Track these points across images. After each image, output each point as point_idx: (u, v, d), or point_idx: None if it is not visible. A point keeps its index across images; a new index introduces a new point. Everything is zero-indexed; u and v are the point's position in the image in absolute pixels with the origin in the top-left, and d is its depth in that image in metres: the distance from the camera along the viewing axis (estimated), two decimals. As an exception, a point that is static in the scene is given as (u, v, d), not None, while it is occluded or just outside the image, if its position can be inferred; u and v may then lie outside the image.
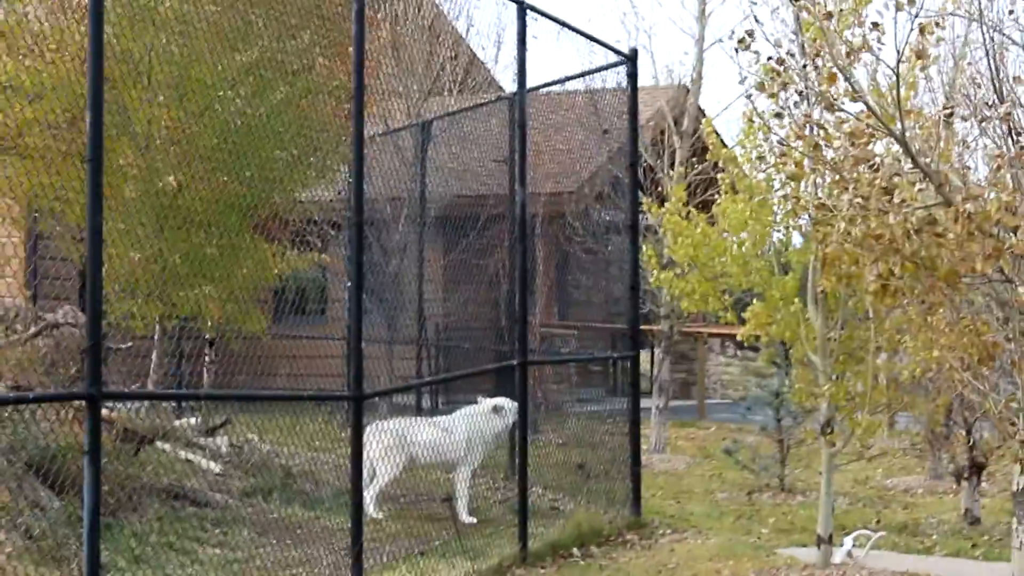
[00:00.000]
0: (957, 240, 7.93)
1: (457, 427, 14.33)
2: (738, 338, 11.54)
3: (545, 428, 21.36)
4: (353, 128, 9.73)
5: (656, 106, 21.94)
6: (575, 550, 12.70)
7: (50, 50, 14.64)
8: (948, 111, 8.01)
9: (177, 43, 15.05)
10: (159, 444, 14.66)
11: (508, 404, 14.45)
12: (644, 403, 21.32)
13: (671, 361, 28.82)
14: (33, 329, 16.68)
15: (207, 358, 18.13)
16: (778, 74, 8.60)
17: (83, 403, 8.27)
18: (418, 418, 14.67)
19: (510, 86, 23.97)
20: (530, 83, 13.76)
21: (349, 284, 20.99)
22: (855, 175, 7.97)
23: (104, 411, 13.24)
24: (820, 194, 8.80)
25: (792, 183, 8.63)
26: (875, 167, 7.90)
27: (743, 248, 11.06)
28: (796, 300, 11.15)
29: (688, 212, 11.39)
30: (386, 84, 22.57)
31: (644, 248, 11.62)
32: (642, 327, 28.43)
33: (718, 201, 11.32)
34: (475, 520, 14.11)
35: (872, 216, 7.91)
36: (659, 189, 18.97)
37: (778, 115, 8.42)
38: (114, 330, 16.43)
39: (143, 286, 14.97)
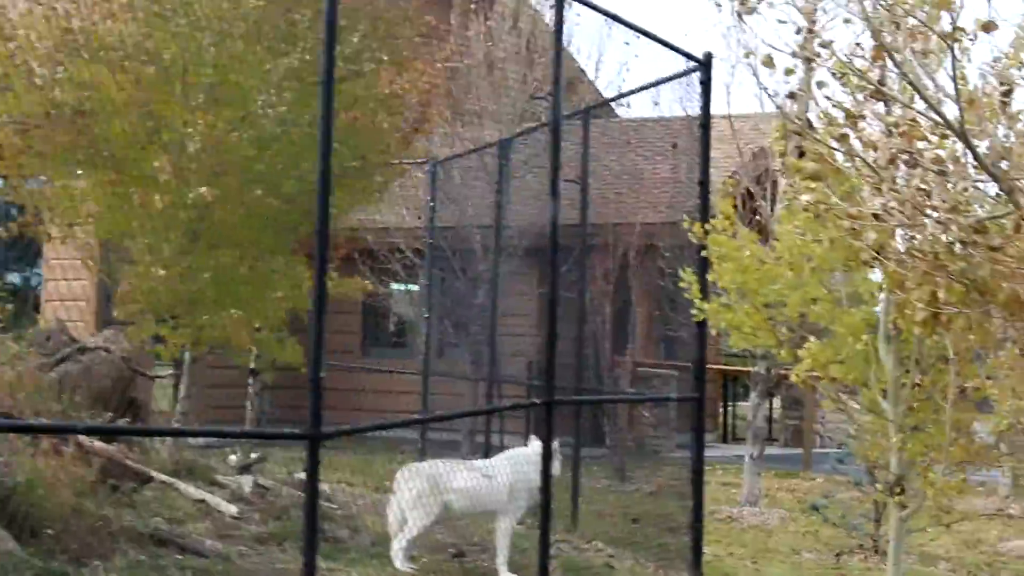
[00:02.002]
0: (1020, 256, 6.22)
1: (500, 472, 12.78)
2: (791, 379, 9.85)
3: (635, 475, 19.74)
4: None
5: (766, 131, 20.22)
6: (612, 617, 11.06)
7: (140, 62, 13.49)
8: (1006, 88, 6.29)
9: (214, 43, 13.78)
10: (178, 483, 13.31)
11: (557, 447, 12.88)
12: (739, 451, 19.66)
13: (783, 406, 27.08)
14: (61, 352, 15.50)
15: (250, 389, 16.82)
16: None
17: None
18: (456, 461, 13.10)
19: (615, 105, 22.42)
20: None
21: (427, 315, 19.79)
22: (890, 173, 6.29)
23: (92, 442, 11.96)
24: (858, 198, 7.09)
25: (812, 184, 6.96)
26: (913, 163, 6.20)
27: (801, 273, 9.35)
28: (864, 337, 9.41)
29: (735, 232, 9.71)
30: (478, 104, 21.15)
31: (682, 274, 10.01)
32: (737, 368, 26.71)
33: (774, 216, 9.66)
34: (515, 576, 12.57)
35: (913, 224, 6.21)
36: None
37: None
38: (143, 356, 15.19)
39: (167, 307, 13.63)
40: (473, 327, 19.77)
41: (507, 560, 12.72)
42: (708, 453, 23.01)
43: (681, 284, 10.22)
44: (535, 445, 12.88)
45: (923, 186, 6.22)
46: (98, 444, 11.81)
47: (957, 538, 15.29)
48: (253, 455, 17.39)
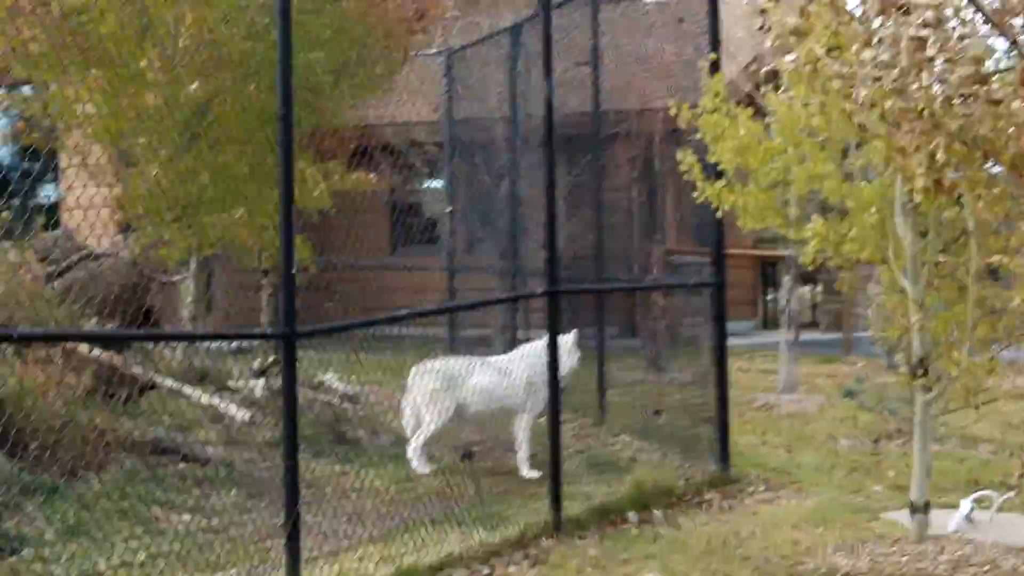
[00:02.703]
0: (1026, 111, 5.65)
1: (515, 368, 12.30)
2: (800, 261, 9.30)
3: (672, 366, 19.22)
4: None
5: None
6: (631, 514, 10.59)
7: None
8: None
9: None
10: (186, 389, 12.91)
11: (572, 339, 12.39)
12: (774, 337, 19.10)
13: (824, 290, 26.43)
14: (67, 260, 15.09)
15: (263, 291, 16.38)
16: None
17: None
18: (470, 357, 12.61)
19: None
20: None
21: (450, 209, 19.25)
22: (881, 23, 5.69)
23: (88, 351, 11.54)
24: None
25: (794, 39, 6.35)
26: (907, 10, 5.60)
27: (800, 147, 8.77)
28: (872, 210, 8.83)
29: (728, 110, 9.12)
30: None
31: (679, 155, 9.45)
32: (776, 253, 26.05)
33: (762, 92, 9.08)
34: (538, 474, 12.11)
35: (906, 79, 5.62)
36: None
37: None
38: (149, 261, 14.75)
39: (167, 209, 13.14)
40: (499, 221, 19.22)
41: (528, 457, 12.29)
42: (748, 340, 22.59)
43: (680, 167, 9.68)
44: (546, 339, 12.40)
45: (919, 34, 5.62)
46: (94, 352, 11.38)
47: (998, 419, 14.71)
48: (272, 358, 17.02)
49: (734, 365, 19.09)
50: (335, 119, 14.45)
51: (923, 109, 5.66)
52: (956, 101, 5.58)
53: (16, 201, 13.76)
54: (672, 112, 9.38)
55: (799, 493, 11.68)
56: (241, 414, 12.68)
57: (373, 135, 21.28)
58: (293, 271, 7.72)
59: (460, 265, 18.74)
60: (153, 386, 11.73)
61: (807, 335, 19.99)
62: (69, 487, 9.75)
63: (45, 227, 16.23)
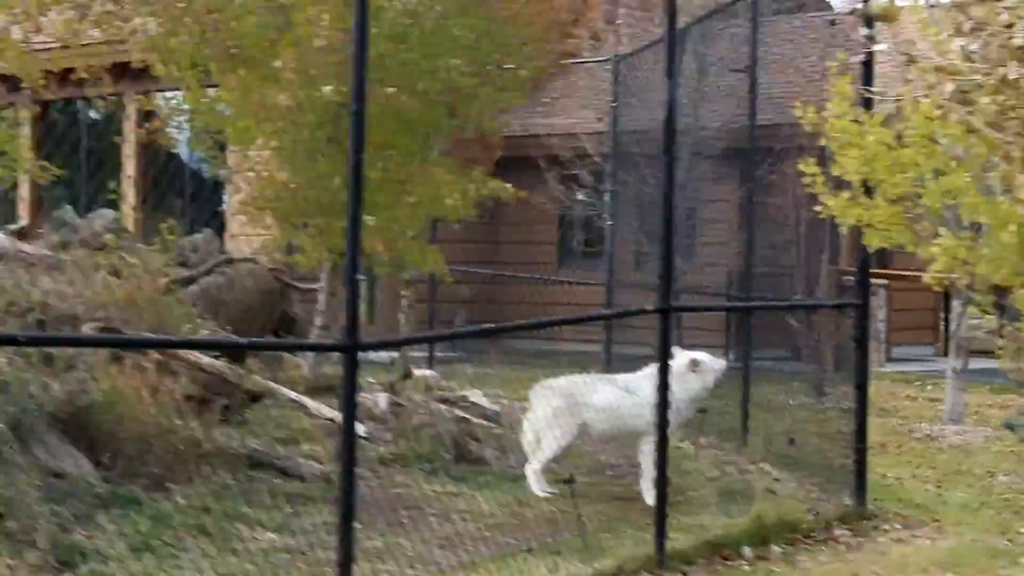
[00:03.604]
0: None
1: (642, 387, 11.64)
2: (925, 280, 8.51)
3: (835, 391, 18.36)
4: None
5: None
6: (746, 550, 9.90)
7: None
8: None
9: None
10: (306, 401, 12.53)
11: (708, 360, 11.73)
12: (941, 365, 18.13)
13: (1008, 316, 25.16)
14: (207, 264, 14.88)
15: (404, 301, 15.98)
16: None
17: None
18: (595, 375, 11.99)
19: None
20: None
21: (611, 223, 18.68)
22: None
23: (202, 359, 11.20)
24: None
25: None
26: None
27: (932, 155, 7.98)
28: (1015, 228, 7.98)
29: (857, 116, 8.37)
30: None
31: (801, 166, 8.73)
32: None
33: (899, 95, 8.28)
34: (664, 503, 11.46)
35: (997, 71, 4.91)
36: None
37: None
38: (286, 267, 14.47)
39: (296, 214, 12.81)
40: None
41: (654, 483, 11.63)
42: (923, 367, 21.56)
43: (803, 180, 8.94)
44: (682, 358, 11.76)
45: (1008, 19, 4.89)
46: (205, 360, 11.04)
47: None
48: (420, 371, 16.59)
49: (903, 392, 18.25)
50: (478, 125, 13.97)
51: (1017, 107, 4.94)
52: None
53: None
54: (797, 115, 8.67)
55: (938, 532, 10.89)
56: (358, 428, 12.22)
57: (537, 145, 20.84)
58: (359, 277, 7.22)
59: (617, 280, 18.16)
60: (261, 397, 11.33)
61: (985, 363, 18.94)
62: (153, 500, 9.38)
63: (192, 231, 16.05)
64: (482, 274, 20.71)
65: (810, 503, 11.30)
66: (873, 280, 20.62)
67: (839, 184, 8.75)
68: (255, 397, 11.34)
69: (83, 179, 21.02)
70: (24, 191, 21.77)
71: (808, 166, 8.84)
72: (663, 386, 9.55)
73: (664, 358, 9.56)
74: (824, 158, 8.94)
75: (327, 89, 12.34)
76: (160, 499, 9.44)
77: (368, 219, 12.66)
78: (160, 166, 19.40)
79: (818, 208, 8.84)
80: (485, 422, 14.25)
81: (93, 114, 22.35)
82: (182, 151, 19.41)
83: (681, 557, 9.51)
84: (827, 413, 13.41)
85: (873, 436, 15.03)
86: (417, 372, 16.72)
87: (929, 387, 19.07)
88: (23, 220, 16.65)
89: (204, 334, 11.51)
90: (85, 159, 21.65)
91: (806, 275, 18.49)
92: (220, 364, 11.16)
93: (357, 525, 9.83)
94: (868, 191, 8.60)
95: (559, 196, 20.27)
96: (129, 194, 19.85)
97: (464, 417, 14.18)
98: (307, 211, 12.85)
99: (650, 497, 11.50)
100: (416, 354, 19.39)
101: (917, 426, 15.85)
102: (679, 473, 12.53)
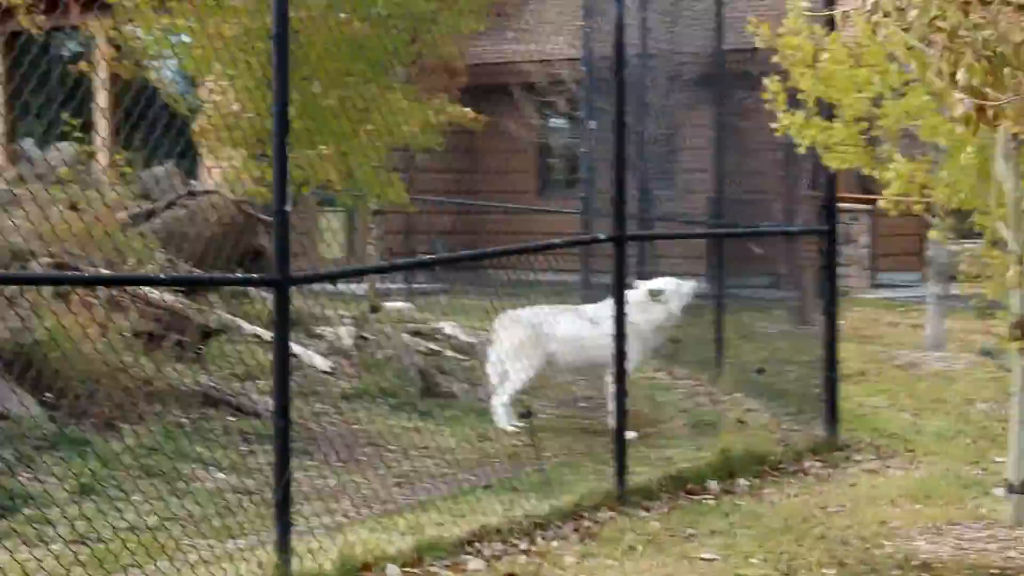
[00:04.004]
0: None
1: (605, 318, 11.37)
2: (880, 204, 8.24)
3: (817, 318, 18.09)
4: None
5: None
6: (712, 483, 9.65)
7: None
8: None
9: None
10: (267, 336, 12.22)
11: (672, 286, 11.44)
12: (926, 291, 17.85)
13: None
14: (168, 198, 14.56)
15: (373, 232, 15.68)
16: None
17: None
18: (560, 307, 11.70)
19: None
20: None
21: (585, 151, 18.35)
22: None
23: (153, 294, 10.91)
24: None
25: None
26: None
27: (891, 78, 7.68)
28: (970, 150, 7.72)
29: (811, 31, 8.05)
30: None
31: (766, 82, 8.42)
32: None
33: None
34: (633, 436, 11.20)
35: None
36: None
37: None
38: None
39: (251, 144, 12.47)
40: (642, 164, 18.23)
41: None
42: (908, 294, 21.27)
43: (764, 95, 8.64)
44: (644, 287, 11.52)
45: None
46: (157, 295, 10.76)
47: None
48: (392, 304, 16.34)
49: (886, 319, 17.99)
50: (437, 52, 13.62)
51: (937, 19, 4.65)
52: (977, 11, 4.55)
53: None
54: (750, 31, 8.36)
55: (911, 462, 10.66)
56: (321, 363, 11.99)
57: (512, 73, 20.48)
58: (286, 208, 6.91)
59: (595, 208, 17.84)
60: (218, 332, 11.04)
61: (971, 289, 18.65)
62: (101, 440, 9.11)
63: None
64: (460, 204, 20.41)
65: (781, 434, 11.06)
66: (856, 205, 20.39)
67: (799, 104, 8.47)
68: (210, 333, 11.05)
69: (53, 113, 20.57)
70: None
71: (773, 83, 8.54)
72: (619, 316, 9.27)
73: (619, 288, 9.27)
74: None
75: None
76: (108, 439, 9.18)
77: (322, 148, 12.41)
78: (129, 99, 18.99)
79: (774, 126, 8.55)
80: (458, 355, 14.01)
81: (69, 47, 21.94)
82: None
83: (643, 492, 9.27)
84: (805, 341, 13.13)
85: (853, 363, 14.82)
86: (391, 304, 16.51)
87: (913, 314, 18.79)
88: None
89: (150, 269, 11.20)
90: (57, 93, 21.21)
91: (786, 201, 18.18)
92: (173, 299, 10.87)
93: (307, 463, 9.66)
94: (829, 111, 8.33)
95: (535, 124, 19.92)
96: (101, 127, 19.44)
97: (435, 350, 13.94)
98: (262, 142, 12.51)
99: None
100: (394, 286, 19.16)
101: (898, 353, 15.59)
102: (652, 405, 12.33)
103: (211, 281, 9.41)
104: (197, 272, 12.34)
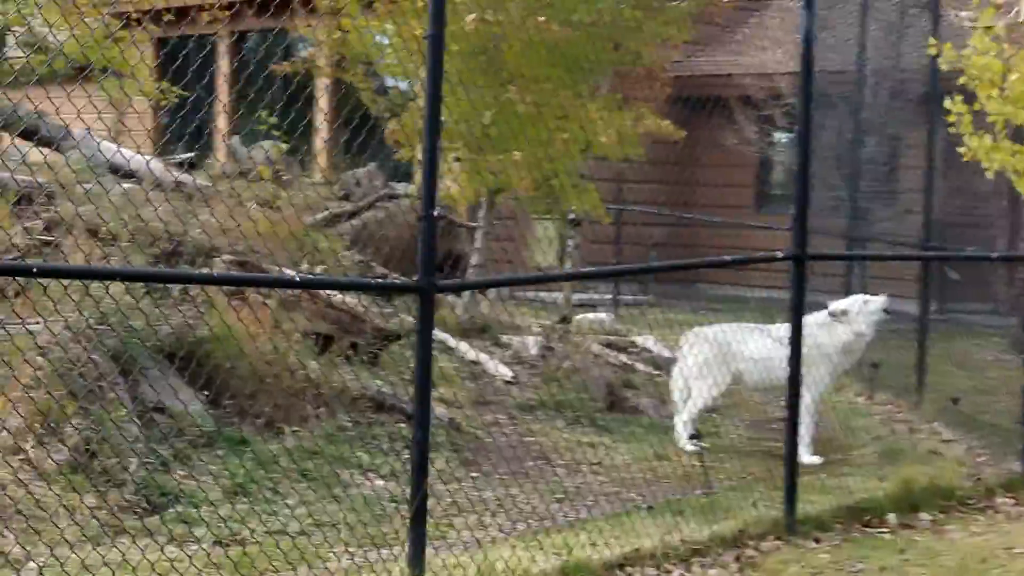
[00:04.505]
0: None
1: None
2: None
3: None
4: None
5: None
6: (891, 516, 9.17)
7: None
8: None
9: None
10: (451, 341, 12.12)
11: (857, 305, 10.98)
12: None
13: None
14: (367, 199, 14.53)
15: (570, 243, 15.42)
16: None
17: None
18: (748, 325, 11.29)
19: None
20: None
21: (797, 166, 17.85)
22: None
23: (332, 296, 10.80)
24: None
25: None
26: None
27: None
28: None
29: (1001, 51, 7.54)
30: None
31: (947, 104, 7.92)
32: None
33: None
34: (820, 460, 10.82)
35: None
36: None
37: None
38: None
39: (448, 148, 12.36)
40: (861, 181, 17.66)
41: (809, 440, 10.98)
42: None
43: (949, 118, 8.15)
44: (835, 306, 11.09)
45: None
46: (335, 297, 10.66)
47: None
48: (594, 315, 16.08)
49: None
50: (640, 60, 13.31)
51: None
52: None
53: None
54: (932, 52, 7.89)
55: (1116, 506, 9.98)
56: (503, 371, 11.78)
57: (731, 85, 20.06)
58: (435, 213, 6.70)
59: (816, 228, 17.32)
60: (398, 336, 10.90)
61: None
62: (260, 441, 9.02)
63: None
64: (675, 216, 20.06)
65: (973, 468, 10.49)
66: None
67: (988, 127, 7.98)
68: (390, 336, 10.90)
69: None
70: (222, 123, 21.66)
71: (954, 104, 8.04)
72: (796, 338, 8.85)
73: (798, 308, 8.85)
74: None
75: (470, 18, 11.81)
76: (269, 440, 9.08)
77: (515, 154, 12.19)
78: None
79: (962, 150, 8.07)
80: (652, 369, 13.70)
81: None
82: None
83: (815, 522, 8.84)
84: (1017, 371, 12.49)
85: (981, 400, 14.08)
86: (591, 315, 16.23)
87: None
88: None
89: (330, 270, 11.11)
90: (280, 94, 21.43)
91: (1010, 225, 17.51)
92: (355, 302, 10.76)
93: (472, 474, 9.44)
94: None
95: (753, 138, 19.47)
96: (323, 128, 19.53)
97: (628, 363, 13.65)
98: (455, 146, 12.38)
99: (806, 455, 10.86)
100: (598, 296, 18.91)
101: None
102: (846, 430, 11.84)
103: (351, 285, 9.21)
104: (383, 274, 12.26)
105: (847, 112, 17.30)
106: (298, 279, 7.93)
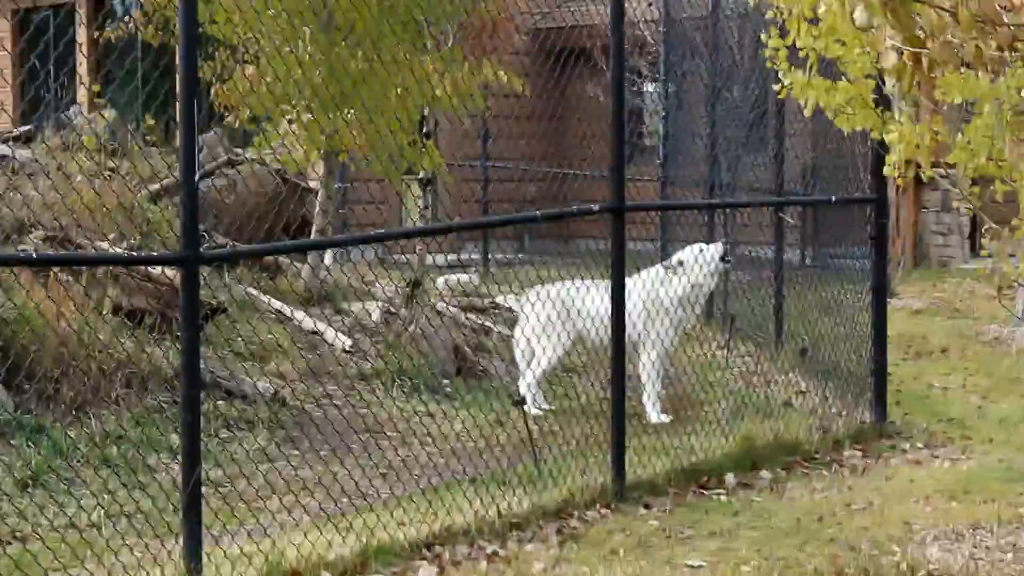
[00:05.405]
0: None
1: (632, 293, 10.54)
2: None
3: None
4: None
5: None
6: (729, 476, 8.82)
7: None
8: None
9: None
10: (289, 311, 11.63)
11: (692, 255, 10.61)
12: None
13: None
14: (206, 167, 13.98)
15: (419, 202, 14.96)
16: None
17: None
18: (590, 281, 10.84)
19: None
20: None
21: (664, 115, 17.47)
22: None
23: (162, 272, 10.26)
24: None
25: None
26: None
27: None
28: (987, 108, 6.76)
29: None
30: None
31: (763, 37, 7.53)
32: None
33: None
34: (668, 419, 10.45)
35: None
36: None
37: None
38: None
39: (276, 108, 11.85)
40: (730, 129, 17.26)
41: (656, 399, 10.62)
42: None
43: (764, 52, 7.73)
44: (676, 257, 10.75)
45: None
46: (155, 271, 10.13)
47: None
48: (459, 276, 15.64)
49: (982, 291, 16.87)
50: (473, 10, 12.84)
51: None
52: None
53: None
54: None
55: (963, 452, 9.72)
56: (341, 341, 11.32)
57: (594, 36, 19.60)
58: (196, 178, 6.21)
59: (673, 177, 16.97)
60: (222, 310, 10.40)
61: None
62: (61, 428, 8.51)
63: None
64: (540, 171, 19.64)
65: (826, 419, 10.15)
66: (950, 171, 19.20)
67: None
68: (215, 310, 10.40)
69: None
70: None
71: (773, 39, 7.62)
72: (619, 295, 8.45)
73: (619, 263, 8.44)
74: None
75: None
76: (72, 426, 8.58)
77: (347, 111, 11.70)
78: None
79: (776, 87, 7.66)
80: (509, 331, 13.26)
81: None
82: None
83: (648, 487, 8.47)
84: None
85: (936, 339, 13.90)
86: (456, 277, 15.79)
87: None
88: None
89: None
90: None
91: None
92: (171, 273, 10.22)
93: (290, 452, 8.99)
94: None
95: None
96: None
97: (487, 326, 13.23)
98: (286, 105, 11.88)
99: (654, 415, 10.51)
100: (466, 257, 18.47)
101: (986, 328, 14.54)
102: (702, 384, 11.46)
103: (105, 260, 8.68)
104: (222, 244, 11.78)
105: (708, 59, 16.91)
106: (35, 256, 7.35)
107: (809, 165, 15.89)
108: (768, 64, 7.70)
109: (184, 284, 6.24)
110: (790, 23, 7.16)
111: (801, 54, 7.43)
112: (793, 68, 7.50)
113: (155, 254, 8.14)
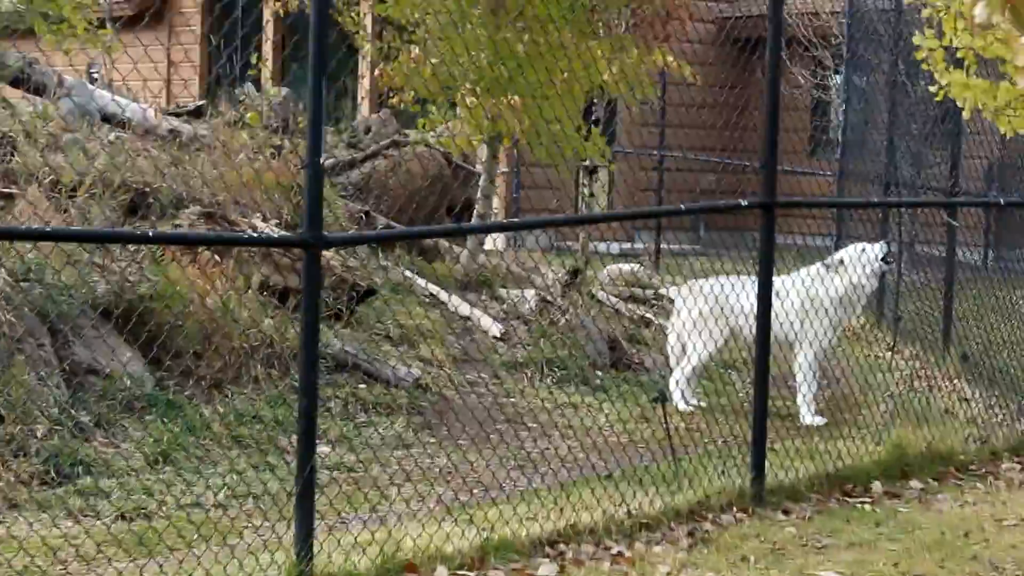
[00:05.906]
0: None
1: (790, 291, 10.28)
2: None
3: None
4: None
5: None
6: (876, 484, 8.49)
7: None
8: None
9: None
10: (444, 295, 11.54)
11: (853, 254, 10.29)
12: None
13: None
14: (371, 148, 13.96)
15: (584, 189, 14.76)
16: None
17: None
18: (746, 277, 10.54)
19: None
20: None
21: (844, 108, 17.02)
22: None
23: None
24: None
25: None
26: None
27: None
28: None
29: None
30: None
31: (915, 38, 7.17)
32: None
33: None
34: (823, 421, 10.16)
35: None
36: None
37: None
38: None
39: (434, 92, 11.76)
40: (913, 125, 16.77)
41: (812, 400, 10.32)
42: None
43: (918, 55, 7.40)
44: (837, 256, 10.43)
45: None
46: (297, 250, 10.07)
47: None
48: (627, 266, 15.39)
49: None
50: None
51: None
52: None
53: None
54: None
55: None
56: (494, 328, 11.19)
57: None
58: (320, 160, 6.09)
59: (850, 172, 16.53)
60: (371, 292, 10.33)
61: None
62: (197, 405, 8.48)
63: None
64: (713, 162, 19.30)
65: (986, 429, 9.75)
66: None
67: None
68: (367, 292, 10.33)
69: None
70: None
71: (928, 39, 7.28)
72: (765, 292, 8.17)
73: (767, 260, 8.15)
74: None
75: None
76: (208, 404, 8.55)
77: (514, 98, 11.55)
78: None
79: (933, 89, 7.32)
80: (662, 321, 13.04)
81: None
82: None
83: (788, 491, 8.18)
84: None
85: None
86: (624, 266, 15.55)
87: None
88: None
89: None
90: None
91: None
92: (330, 255, 10.17)
93: (427, 439, 8.87)
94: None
95: (802, 81, 18.65)
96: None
97: (644, 317, 13.01)
98: (447, 89, 11.77)
99: (808, 416, 10.22)
100: (640, 246, 18.22)
101: None
102: (862, 387, 11.12)
103: (223, 240, 8.60)
104: (385, 224, 11.74)
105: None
106: (151, 234, 7.28)
107: (995, 165, 15.40)
108: (924, 66, 7.38)
109: (306, 267, 6.11)
110: (947, 21, 6.85)
111: (959, 54, 7.11)
112: (951, 68, 7.17)
113: (275, 236, 8.05)
